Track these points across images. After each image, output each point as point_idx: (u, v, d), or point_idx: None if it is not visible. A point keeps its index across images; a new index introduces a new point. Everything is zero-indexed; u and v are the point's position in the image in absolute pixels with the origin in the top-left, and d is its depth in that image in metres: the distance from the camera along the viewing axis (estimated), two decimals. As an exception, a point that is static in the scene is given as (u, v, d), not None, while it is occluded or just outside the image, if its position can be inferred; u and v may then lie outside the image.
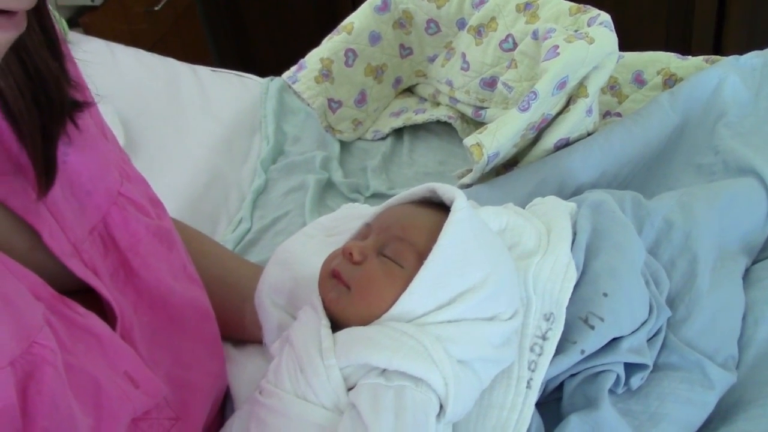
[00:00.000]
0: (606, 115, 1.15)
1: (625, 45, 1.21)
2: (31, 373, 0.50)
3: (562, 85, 0.90)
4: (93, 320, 0.58)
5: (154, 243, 0.67)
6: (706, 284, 0.78)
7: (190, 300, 0.70)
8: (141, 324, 0.65)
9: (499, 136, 0.87)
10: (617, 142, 0.96)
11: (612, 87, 1.18)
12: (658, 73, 1.15)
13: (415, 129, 1.30)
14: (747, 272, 0.84)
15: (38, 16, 0.55)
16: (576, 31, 0.99)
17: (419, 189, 0.69)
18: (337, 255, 0.66)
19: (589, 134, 0.99)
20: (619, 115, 1.14)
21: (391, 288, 0.62)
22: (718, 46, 1.97)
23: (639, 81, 1.16)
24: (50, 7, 0.80)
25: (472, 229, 0.63)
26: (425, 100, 1.33)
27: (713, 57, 1.14)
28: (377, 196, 1.20)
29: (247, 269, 0.87)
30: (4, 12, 0.45)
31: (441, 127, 1.28)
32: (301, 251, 0.79)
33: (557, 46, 0.91)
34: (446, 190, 0.66)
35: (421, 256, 0.62)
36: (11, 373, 0.48)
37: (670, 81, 1.14)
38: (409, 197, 0.70)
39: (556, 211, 0.77)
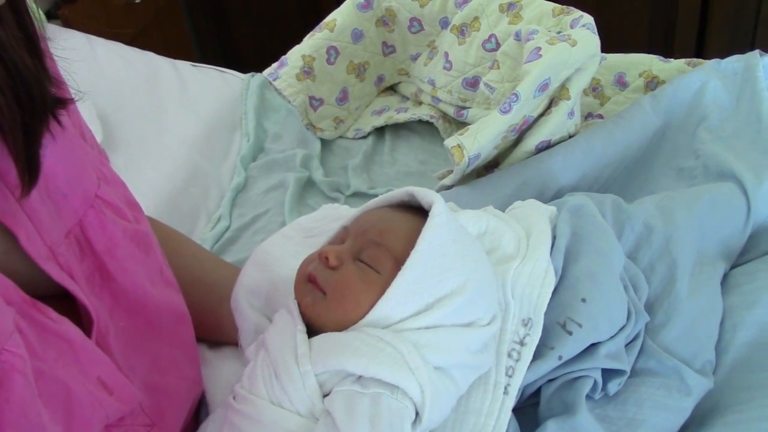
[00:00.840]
0: (588, 116, 1.15)
1: (607, 46, 1.21)
2: None
3: (544, 87, 0.90)
4: (66, 325, 0.57)
5: (131, 246, 0.66)
6: (684, 289, 0.78)
7: (167, 304, 0.69)
8: (117, 329, 0.64)
9: (480, 137, 0.87)
10: (599, 144, 0.95)
11: (594, 89, 1.18)
12: (641, 75, 1.15)
13: (397, 128, 1.29)
14: (725, 277, 0.84)
15: (15, 12, 0.54)
16: (559, 32, 0.98)
17: (397, 193, 0.68)
18: (314, 259, 0.65)
19: (570, 136, 0.98)
20: (600, 116, 1.14)
21: (368, 294, 0.61)
22: (701, 48, 1.98)
23: (621, 83, 1.16)
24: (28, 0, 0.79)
25: (450, 235, 0.63)
26: (407, 98, 1.33)
27: (695, 60, 1.14)
28: (358, 195, 1.19)
29: (225, 270, 0.86)
30: None
31: (423, 127, 1.27)
32: (280, 253, 0.78)
33: (539, 48, 0.90)
34: (425, 195, 0.65)
35: (399, 262, 0.62)
36: None
37: (652, 83, 1.14)
38: (387, 201, 0.69)
39: (536, 214, 0.77)
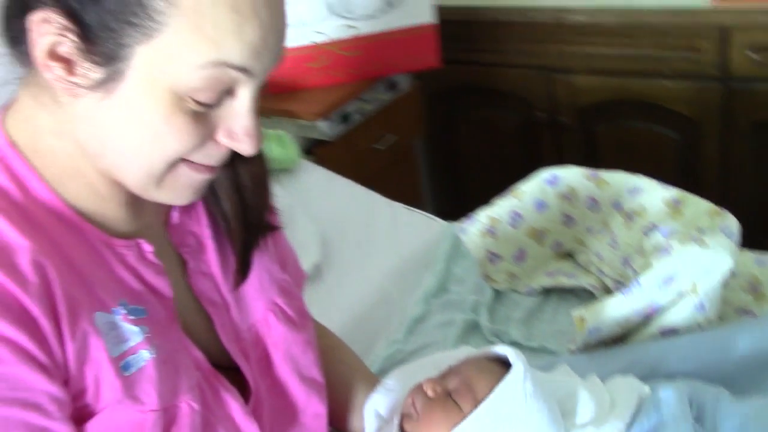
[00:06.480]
0: (742, 312, 1.21)
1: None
2: (173, 421, 0.72)
3: (669, 280, 1.01)
4: (233, 394, 0.80)
5: (293, 347, 0.88)
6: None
7: (310, 401, 0.89)
8: (269, 406, 0.86)
9: (601, 314, 1.00)
10: (725, 341, 1.02)
11: (754, 288, 1.23)
12: (803, 282, 1.19)
13: (564, 291, 1.43)
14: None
15: (258, 161, 0.79)
16: (701, 233, 1.09)
17: (494, 348, 0.84)
18: (421, 387, 0.83)
19: (701, 327, 1.06)
20: (754, 314, 1.20)
21: (446, 424, 0.77)
22: None
23: (782, 286, 1.21)
24: (286, 136, 1.09)
25: (523, 392, 0.77)
26: (580, 266, 1.46)
27: None
28: (513, 344, 1.32)
29: (370, 382, 1.05)
30: None
31: (587, 294, 1.40)
32: (411, 376, 0.96)
33: (670, 245, 1.02)
34: (510, 354, 0.81)
35: (478, 404, 0.77)
36: (161, 416, 0.70)
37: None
38: (487, 353, 0.85)
39: (627, 389, 0.88)
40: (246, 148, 0.68)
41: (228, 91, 0.65)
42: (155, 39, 0.60)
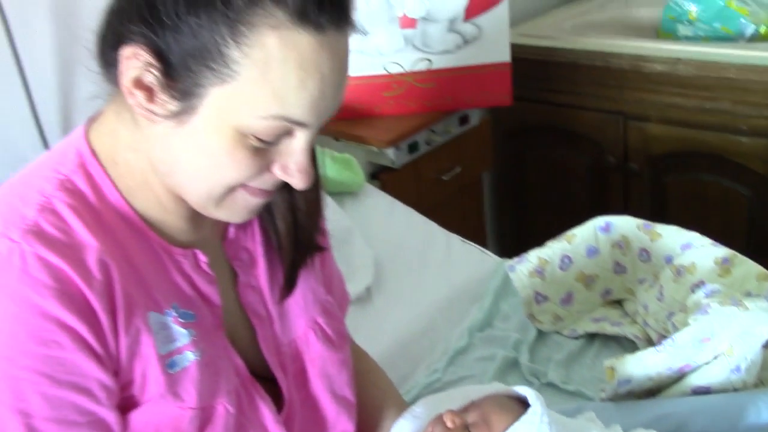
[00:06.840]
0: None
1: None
2: (209, 420, 0.78)
3: (705, 339, 1.02)
4: (268, 403, 0.86)
5: (329, 366, 0.94)
6: None
7: (340, 418, 0.94)
8: (301, 418, 0.91)
9: (632, 366, 1.01)
10: (757, 405, 1.02)
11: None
12: None
13: (607, 338, 1.44)
14: None
15: (313, 186, 0.85)
16: (747, 295, 1.09)
17: (515, 388, 0.88)
18: (441, 417, 0.87)
19: (736, 389, 1.06)
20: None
21: None
22: None
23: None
24: (353, 161, 1.16)
25: (537, 432, 0.81)
26: (627, 315, 1.47)
27: None
28: (551, 386, 1.35)
29: (399, 409, 1.09)
30: None
31: (630, 344, 1.40)
32: (438, 405, 1.00)
33: (709, 305, 1.03)
34: (530, 396, 0.84)
35: None
36: (197, 415, 0.76)
37: None
38: (507, 392, 0.89)
39: (647, 443, 0.89)
40: (298, 183, 0.75)
41: (287, 132, 0.72)
42: (228, 84, 0.67)
